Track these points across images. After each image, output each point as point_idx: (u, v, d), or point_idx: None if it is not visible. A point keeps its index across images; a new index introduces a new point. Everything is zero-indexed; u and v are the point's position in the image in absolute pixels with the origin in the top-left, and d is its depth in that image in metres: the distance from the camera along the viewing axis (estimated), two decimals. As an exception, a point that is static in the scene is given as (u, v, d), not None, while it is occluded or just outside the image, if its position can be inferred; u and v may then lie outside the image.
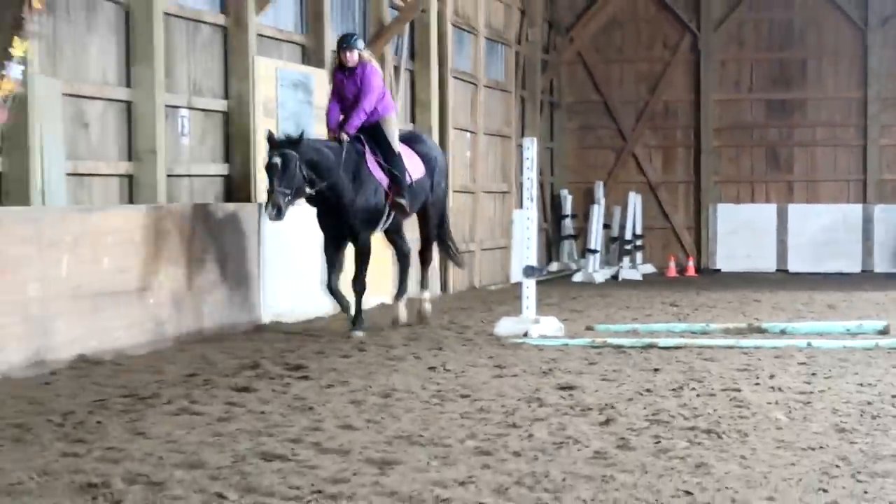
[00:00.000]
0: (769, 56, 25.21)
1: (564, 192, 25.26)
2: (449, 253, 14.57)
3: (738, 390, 8.79)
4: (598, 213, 23.21)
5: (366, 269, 12.65)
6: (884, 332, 12.21)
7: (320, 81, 14.74)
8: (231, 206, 12.88)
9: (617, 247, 24.20)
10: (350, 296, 12.58)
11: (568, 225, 25.06)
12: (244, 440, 6.99)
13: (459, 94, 19.76)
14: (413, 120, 17.99)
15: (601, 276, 22.50)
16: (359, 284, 12.60)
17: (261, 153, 12.90)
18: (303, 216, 12.80)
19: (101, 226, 10.57)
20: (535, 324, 12.46)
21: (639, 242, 24.57)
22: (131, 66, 11.96)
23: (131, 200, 11.93)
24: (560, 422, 7.58)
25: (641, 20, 25.65)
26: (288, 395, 8.62)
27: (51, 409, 7.94)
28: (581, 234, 24.58)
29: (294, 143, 11.87)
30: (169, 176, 12.30)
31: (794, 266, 24.58)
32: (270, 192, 11.78)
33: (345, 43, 12.59)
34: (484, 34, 21.04)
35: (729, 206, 25.29)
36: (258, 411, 7.97)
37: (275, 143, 11.89)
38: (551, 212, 25.18)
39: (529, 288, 12.79)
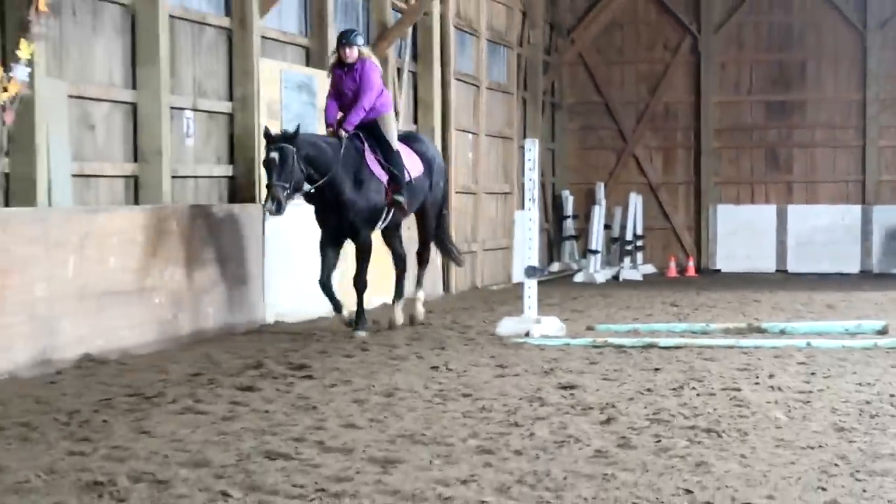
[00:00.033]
0: (769, 58, 25.21)
1: (566, 193, 25.25)
2: (449, 254, 14.56)
3: (738, 390, 8.81)
4: (599, 214, 23.21)
5: (367, 267, 12.61)
6: (882, 331, 12.24)
7: (323, 83, 14.75)
8: (235, 207, 12.93)
9: (618, 247, 24.21)
10: (350, 296, 12.60)
11: (569, 225, 25.04)
12: (248, 439, 7.02)
13: (461, 96, 19.79)
14: (416, 121, 18.03)
15: (602, 276, 22.50)
16: (360, 283, 12.54)
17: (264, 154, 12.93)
18: (305, 216, 12.83)
19: (107, 226, 10.62)
20: (536, 324, 12.49)
21: (639, 243, 24.56)
22: (136, 67, 12.00)
23: (136, 201, 11.97)
24: (561, 421, 7.61)
25: (642, 22, 25.66)
26: (291, 395, 8.65)
27: (57, 408, 7.98)
28: (582, 234, 24.57)
29: (290, 138, 11.85)
30: (173, 177, 12.34)
31: (793, 266, 24.56)
32: (269, 186, 11.77)
33: (344, 39, 12.51)
34: (486, 36, 21.06)
35: (729, 207, 25.28)
36: (262, 410, 8.00)
37: (271, 139, 11.87)
38: (553, 212, 25.17)
39: (531, 288, 12.82)
